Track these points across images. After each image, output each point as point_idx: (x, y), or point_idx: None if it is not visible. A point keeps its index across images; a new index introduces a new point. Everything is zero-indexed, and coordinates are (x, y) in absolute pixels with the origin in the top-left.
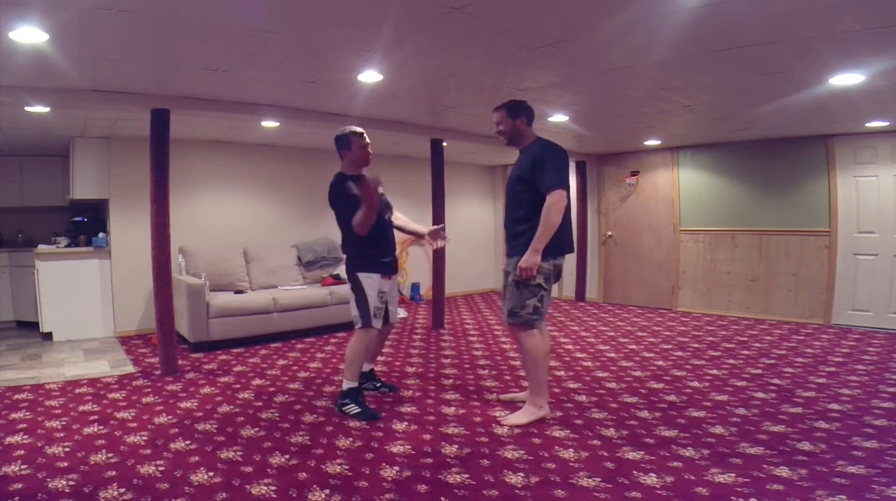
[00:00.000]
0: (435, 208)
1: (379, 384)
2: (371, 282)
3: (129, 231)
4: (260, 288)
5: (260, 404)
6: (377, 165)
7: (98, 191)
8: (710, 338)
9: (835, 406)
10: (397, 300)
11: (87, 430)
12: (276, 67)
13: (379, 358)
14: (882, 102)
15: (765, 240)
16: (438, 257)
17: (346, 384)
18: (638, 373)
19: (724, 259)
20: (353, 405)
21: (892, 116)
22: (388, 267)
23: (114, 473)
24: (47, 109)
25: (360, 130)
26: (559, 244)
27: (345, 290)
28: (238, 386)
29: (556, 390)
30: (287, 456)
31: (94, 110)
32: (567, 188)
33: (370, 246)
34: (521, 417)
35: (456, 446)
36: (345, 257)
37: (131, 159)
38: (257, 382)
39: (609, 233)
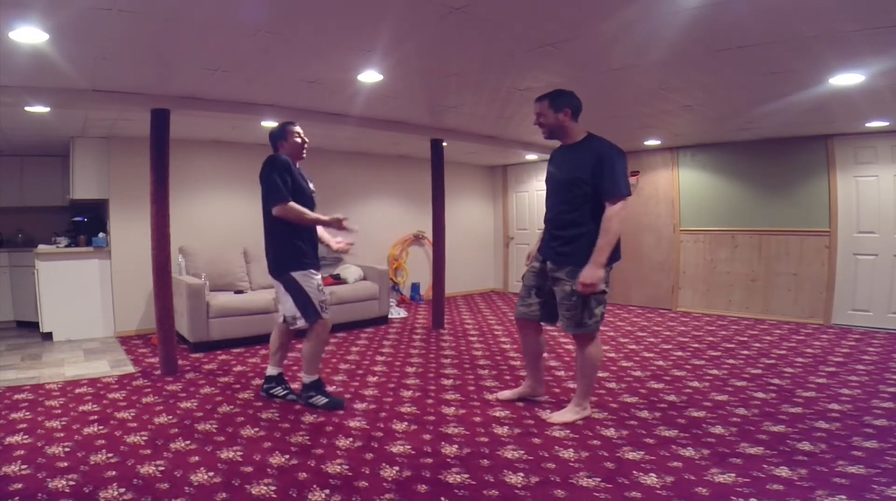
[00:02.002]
0: (435, 208)
1: (286, 392)
2: (308, 279)
3: (129, 231)
4: (260, 288)
5: (260, 404)
6: (376, 164)
7: (98, 191)
8: (710, 338)
9: (835, 406)
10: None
11: (87, 430)
12: (276, 67)
13: (379, 358)
14: (882, 101)
15: (765, 240)
16: (438, 257)
17: (308, 379)
18: (638, 373)
19: (724, 259)
20: (318, 396)
21: (892, 116)
22: (318, 264)
23: (114, 473)
24: (47, 109)
25: (294, 122)
26: (618, 249)
27: (345, 290)
28: (238, 386)
29: (557, 390)
30: (287, 456)
31: (94, 110)
32: (630, 195)
33: (303, 243)
34: (567, 416)
35: (456, 446)
36: (269, 255)
37: (131, 159)
38: (257, 382)
39: None
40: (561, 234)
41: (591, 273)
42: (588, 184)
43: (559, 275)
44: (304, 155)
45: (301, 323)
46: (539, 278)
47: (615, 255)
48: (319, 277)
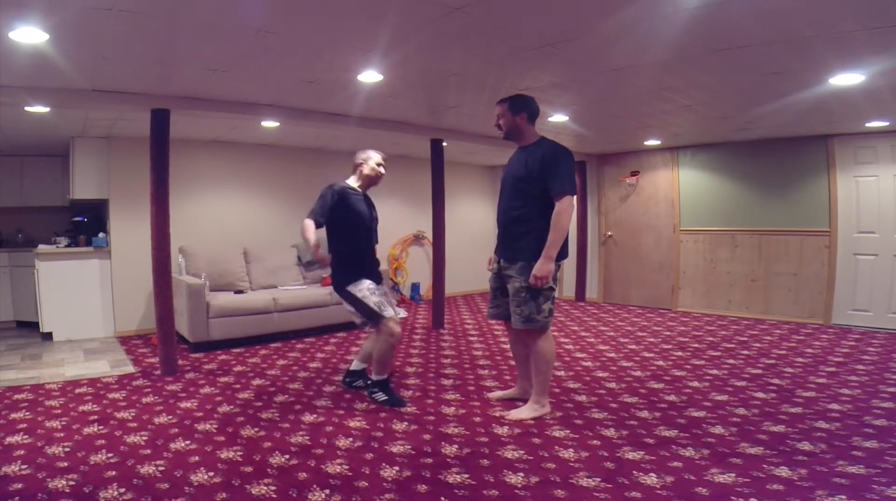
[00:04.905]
0: (435, 208)
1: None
2: (361, 286)
3: (129, 231)
4: (260, 288)
5: (260, 404)
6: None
7: (98, 191)
8: (710, 338)
9: (835, 406)
10: (393, 302)
11: (87, 430)
12: (276, 67)
13: None
14: (882, 101)
15: (765, 240)
16: (438, 257)
17: (376, 377)
18: (638, 373)
19: (724, 259)
20: (380, 392)
21: (892, 116)
22: (371, 275)
23: (114, 473)
24: (47, 109)
25: (383, 156)
26: (565, 248)
27: None
28: (238, 386)
29: (556, 390)
30: (287, 456)
31: (94, 110)
32: (576, 193)
33: (357, 263)
34: (524, 413)
35: (456, 446)
36: (331, 271)
37: (131, 159)
38: (257, 382)
39: (609, 233)
40: (511, 230)
41: (543, 266)
42: (536, 181)
43: (510, 272)
44: (378, 182)
45: (370, 327)
46: (500, 279)
47: (565, 251)
48: (368, 282)
